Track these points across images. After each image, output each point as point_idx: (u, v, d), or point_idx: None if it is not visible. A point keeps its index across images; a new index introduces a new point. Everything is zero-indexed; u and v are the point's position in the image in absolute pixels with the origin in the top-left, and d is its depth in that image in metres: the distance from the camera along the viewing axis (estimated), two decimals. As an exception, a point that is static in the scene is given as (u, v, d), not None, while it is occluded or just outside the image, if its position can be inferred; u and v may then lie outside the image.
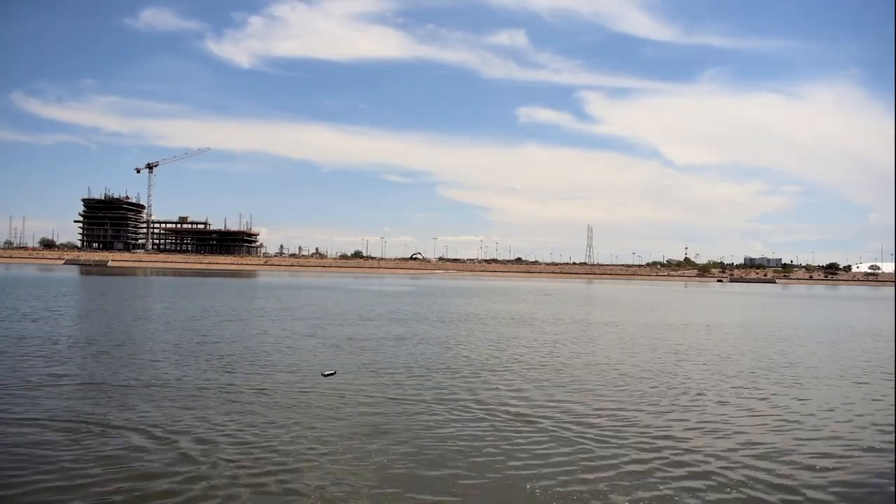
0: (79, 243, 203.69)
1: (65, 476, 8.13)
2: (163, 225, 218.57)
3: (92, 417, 10.75)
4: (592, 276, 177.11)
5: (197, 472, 8.42)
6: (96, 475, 8.19)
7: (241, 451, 9.32)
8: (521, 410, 12.26)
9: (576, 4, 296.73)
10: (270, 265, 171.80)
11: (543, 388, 14.50)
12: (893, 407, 13.59)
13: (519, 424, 11.20)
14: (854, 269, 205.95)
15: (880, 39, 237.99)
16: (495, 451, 9.66)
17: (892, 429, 11.67)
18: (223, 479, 8.21)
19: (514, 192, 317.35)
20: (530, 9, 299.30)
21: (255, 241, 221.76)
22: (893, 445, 10.61)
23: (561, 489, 8.22)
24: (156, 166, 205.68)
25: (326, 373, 15.52)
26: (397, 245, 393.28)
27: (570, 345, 22.89)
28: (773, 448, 10.23)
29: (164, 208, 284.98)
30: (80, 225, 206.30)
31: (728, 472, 8.97)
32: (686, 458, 9.57)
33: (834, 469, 9.32)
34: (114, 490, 7.79)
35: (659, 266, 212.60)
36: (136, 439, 9.62)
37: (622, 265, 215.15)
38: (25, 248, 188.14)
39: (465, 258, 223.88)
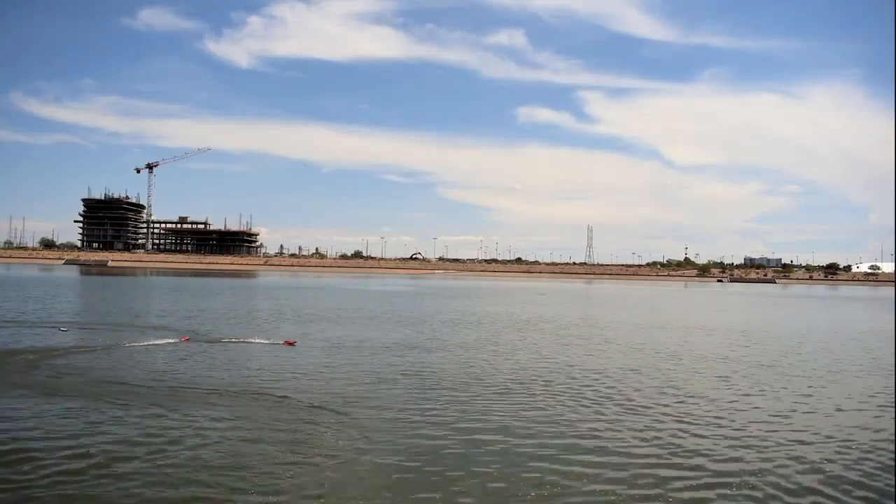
0: (79, 243, 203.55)
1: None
2: (163, 225, 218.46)
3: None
4: (593, 276, 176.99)
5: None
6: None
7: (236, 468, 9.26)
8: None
9: (575, 4, 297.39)
10: (270, 265, 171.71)
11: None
12: (894, 406, 13.55)
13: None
14: (854, 269, 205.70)
15: (880, 39, 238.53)
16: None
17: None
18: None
19: (514, 192, 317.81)
20: (530, 9, 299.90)
21: (255, 241, 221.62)
22: (894, 444, 10.59)
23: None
24: (156, 166, 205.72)
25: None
26: (397, 245, 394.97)
27: (620, 355, 22.51)
28: None
29: (164, 208, 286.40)
30: (80, 225, 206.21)
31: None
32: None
33: None
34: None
35: (659, 266, 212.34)
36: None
37: (622, 265, 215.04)
38: (25, 249, 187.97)
39: (466, 258, 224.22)
